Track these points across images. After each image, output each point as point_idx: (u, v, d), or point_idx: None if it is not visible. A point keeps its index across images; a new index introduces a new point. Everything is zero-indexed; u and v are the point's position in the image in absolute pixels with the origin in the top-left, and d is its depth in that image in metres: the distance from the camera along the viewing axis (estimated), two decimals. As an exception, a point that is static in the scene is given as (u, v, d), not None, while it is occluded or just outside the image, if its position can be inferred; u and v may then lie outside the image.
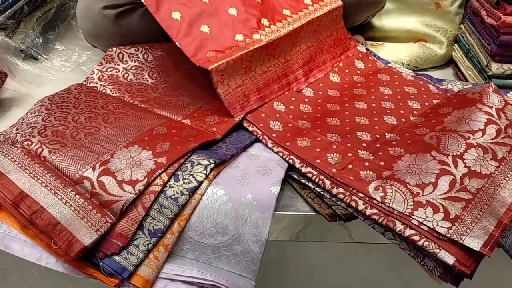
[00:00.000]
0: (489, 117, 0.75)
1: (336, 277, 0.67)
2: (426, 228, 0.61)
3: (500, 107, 0.77)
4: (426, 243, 0.61)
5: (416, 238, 0.61)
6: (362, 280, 0.65)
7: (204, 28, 0.80)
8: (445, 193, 0.65)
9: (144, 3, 0.79)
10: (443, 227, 0.61)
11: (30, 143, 0.69)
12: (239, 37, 0.81)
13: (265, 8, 0.86)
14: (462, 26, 1.09)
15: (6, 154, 0.67)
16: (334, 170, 0.70)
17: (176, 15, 0.79)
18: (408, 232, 0.62)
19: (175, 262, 0.66)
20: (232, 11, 0.83)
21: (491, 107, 0.77)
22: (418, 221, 0.62)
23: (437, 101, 0.88)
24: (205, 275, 0.66)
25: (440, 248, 0.60)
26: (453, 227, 0.61)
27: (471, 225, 0.61)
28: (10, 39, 1.07)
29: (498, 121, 0.75)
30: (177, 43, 0.78)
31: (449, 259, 0.59)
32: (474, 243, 0.60)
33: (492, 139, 0.72)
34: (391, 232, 0.65)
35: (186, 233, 0.66)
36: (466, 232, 0.61)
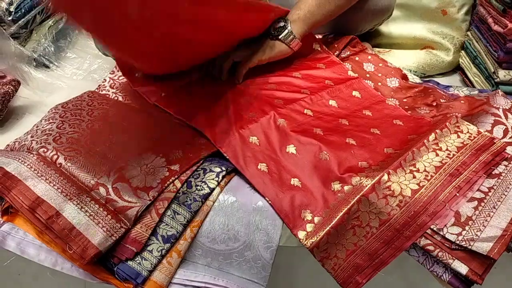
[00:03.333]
0: (496, 118, 0.76)
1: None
2: (438, 238, 0.62)
3: (507, 107, 0.78)
4: (441, 253, 0.62)
5: (431, 248, 0.63)
6: (369, 284, 0.65)
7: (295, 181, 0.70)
8: None
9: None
10: (453, 234, 0.62)
11: (45, 150, 0.71)
12: (336, 185, 0.69)
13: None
14: (469, 33, 1.10)
15: (22, 161, 0.69)
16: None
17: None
18: (423, 241, 0.63)
19: (187, 268, 0.67)
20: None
21: (497, 108, 0.78)
22: (430, 228, 0.63)
23: (444, 100, 0.89)
24: (217, 280, 0.67)
25: (454, 258, 0.61)
26: (463, 232, 0.62)
27: (482, 227, 0.62)
28: (23, 47, 1.09)
29: (505, 121, 0.76)
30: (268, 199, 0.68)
31: (462, 269, 0.60)
32: (483, 247, 0.60)
33: (500, 139, 0.73)
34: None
35: (198, 239, 0.67)
36: (476, 235, 0.61)
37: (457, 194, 0.66)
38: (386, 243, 0.64)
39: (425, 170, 0.68)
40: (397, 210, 0.64)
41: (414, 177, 0.67)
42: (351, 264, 0.64)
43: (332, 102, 0.86)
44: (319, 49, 0.97)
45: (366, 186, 0.66)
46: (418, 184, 0.66)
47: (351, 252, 0.65)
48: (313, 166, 0.71)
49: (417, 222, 0.63)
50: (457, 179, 0.67)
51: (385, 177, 0.66)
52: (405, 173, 0.68)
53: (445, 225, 0.63)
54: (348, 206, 0.64)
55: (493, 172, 0.69)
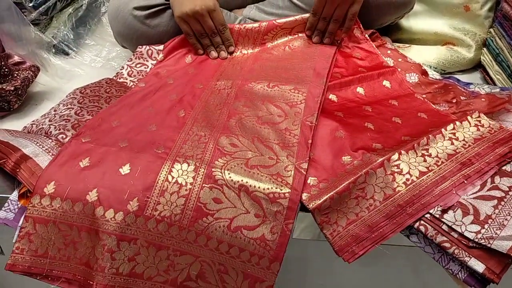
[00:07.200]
0: None
1: (358, 279, 0.67)
2: (455, 235, 0.61)
3: None
4: (457, 251, 0.61)
5: (447, 245, 0.61)
6: (383, 282, 0.65)
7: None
8: (476, 193, 0.65)
9: None
10: (471, 232, 0.61)
11: (64, 136, 0.72)
12: (346, 158, 0.70)
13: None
14: (491, 30, 1.08)
15: (40, 145, 0.70)
16: None
17: None
18: (439, 238, 0.62)
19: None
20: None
21: None
22: (447, 225, 0.62)
23: (464, 98, 0.87)
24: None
25: (470, 256, 0.60)
26: (482, 230, 0.60)
27: (502, 226, 0.61)
28: (42, 34, 1.10)
29: None
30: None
31: (479, 267, 0.59)
32: (502, 246, 0.59)
33: None
34: (416, 235, 0.65)
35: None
36: (496, 233, 0.60)
37: (465, 182, 0.65)
38: (388, 217, 0.64)
39: (437, 156, 0.68)
40: (403, 187, 0.65)
41: (425, 160, 0.68)
42: (350, 233, 0.64)
43: (360, 90, 0.87)
44: (359, 34, 0.98)
45: (376, 161, 0.67)
46: (427, 167, 0.67)
47: (351, 221, 0.64)
48: (327, 142, 0.72)
49: (421, 201, 0.64)
50: (468, 168, 0.67)
51: (395, 156, 0.67)
52: (416, 156, 0.68)
53: (463, 223, 0.62)
54: (355, 177, 0.65)
55: (514, 170, 0.67)
